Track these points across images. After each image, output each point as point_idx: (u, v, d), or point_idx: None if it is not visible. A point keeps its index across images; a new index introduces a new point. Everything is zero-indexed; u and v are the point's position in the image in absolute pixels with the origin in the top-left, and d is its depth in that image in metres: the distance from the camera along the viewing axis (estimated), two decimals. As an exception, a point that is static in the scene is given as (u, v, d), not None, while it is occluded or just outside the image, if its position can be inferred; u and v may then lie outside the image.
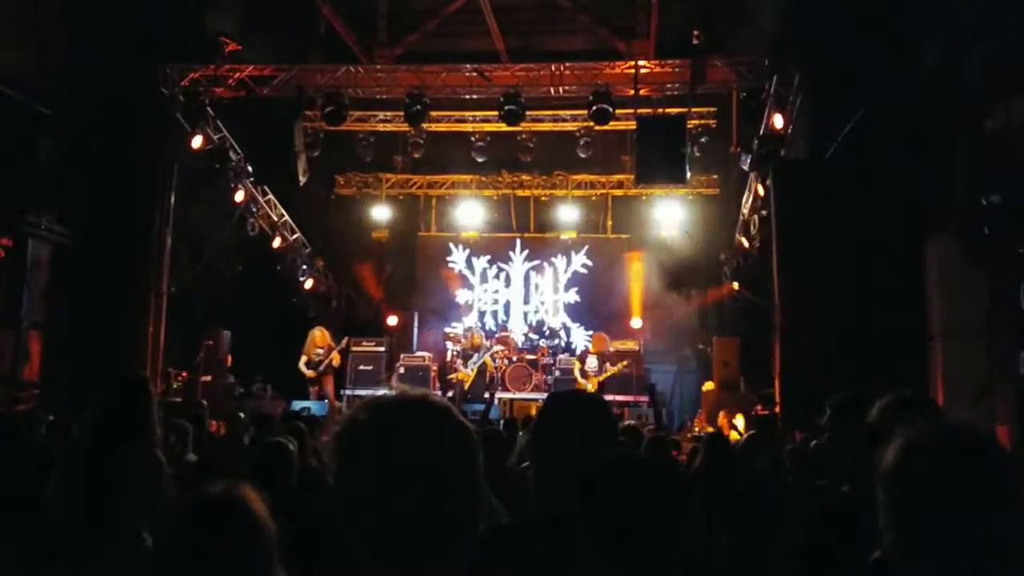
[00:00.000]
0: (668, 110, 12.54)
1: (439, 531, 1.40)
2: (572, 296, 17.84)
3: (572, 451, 2.04)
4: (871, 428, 2.52)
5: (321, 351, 14.32)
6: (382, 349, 15.75)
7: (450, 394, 14.38)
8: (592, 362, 14.59)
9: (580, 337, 17.33)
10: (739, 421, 11.10)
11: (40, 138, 11.49)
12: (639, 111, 12.11)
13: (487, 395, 14.29)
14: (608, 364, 14.54)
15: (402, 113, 12.92)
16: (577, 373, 14.56)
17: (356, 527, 1.41)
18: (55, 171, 11.78)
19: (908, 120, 10.37)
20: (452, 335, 16.40)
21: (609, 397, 12.86)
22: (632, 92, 12.14)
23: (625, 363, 14.50)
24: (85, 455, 2.96)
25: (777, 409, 11.17)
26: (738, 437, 9.19)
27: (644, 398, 14.11)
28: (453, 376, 14.90)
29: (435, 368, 15.49)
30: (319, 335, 14.50)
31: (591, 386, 13.92)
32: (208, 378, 12.73)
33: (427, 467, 1.42)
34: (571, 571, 1.75)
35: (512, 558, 2.04)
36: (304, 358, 14.25)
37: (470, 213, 17.58)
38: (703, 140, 14.20)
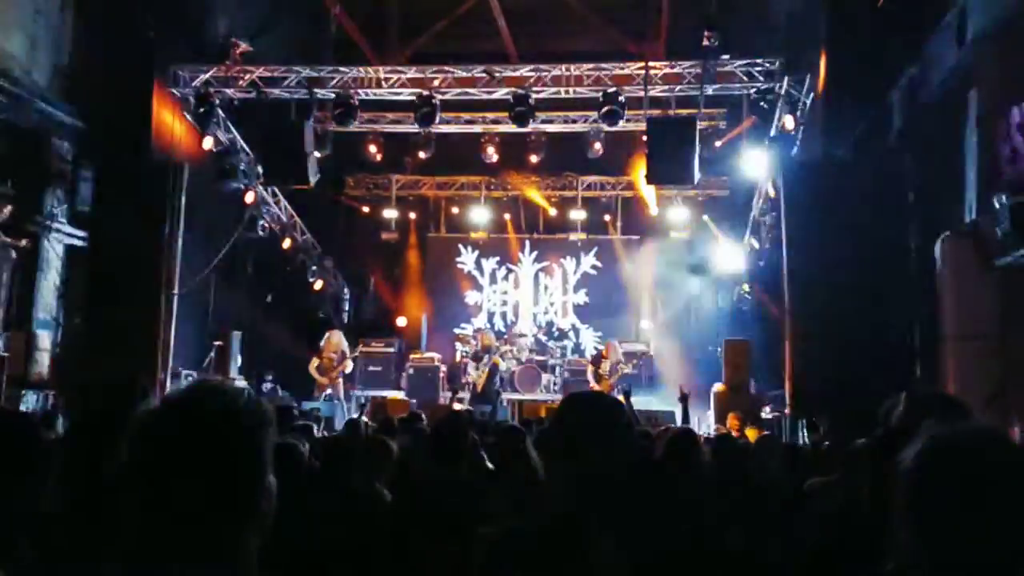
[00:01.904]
0: (678, 111, 12.52)
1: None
2: (581, 297, 17.82)
3: (588, 452, 2.04)
4: (894, 429, 2.50)
5: (335, 356, 14.21)
6: (392, 350, 15.77)
7: (461, 395, 14.36)
8: (606, 366, 14.59)
9: (589, 338, 17.31)
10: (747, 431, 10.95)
11: (52, 139, 11.55)
12: (649, 112, 12.10)
13: (504, 397, 14.30)
14: (619, 367, 14.54)
15: (412, 114, 12.93)
16: (590, 376, 14.55)
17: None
18: (67, 172, 11.84)
19: (920, 121, 10.34)
20: (462, 336, 16.40)
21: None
22: (642, 93, 12.13)
23: (633, 363, 14.49)
24: (82, 456, 2.96)
25: (787, 411, 11.13)
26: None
27: (653, 399, 14.09)
28: (467, 378, 14.88)
29: (444, 369, 15.49)
30: (335, 340, 14.35)
31: (604, 389, 13.90)
32: (218, 378, 12.75)
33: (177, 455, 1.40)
34: (588, 570, 1.74)
35: (528, 558, 2.04)
36: (315, 361, 14.18)
37: (479, 214, 17.58)
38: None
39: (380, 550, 3.95)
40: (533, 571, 1.98)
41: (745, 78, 12.12)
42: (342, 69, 12.99)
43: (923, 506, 1.45)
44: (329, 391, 14.08)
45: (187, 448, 1.40)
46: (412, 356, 15.68)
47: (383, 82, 13.08)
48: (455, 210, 18.15)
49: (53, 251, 11.69)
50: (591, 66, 12.60)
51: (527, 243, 18.06)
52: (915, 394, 2.70)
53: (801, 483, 5.02)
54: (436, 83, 12.77)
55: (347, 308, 18.12)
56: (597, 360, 14.87)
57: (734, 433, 9.97)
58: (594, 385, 14.16)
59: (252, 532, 1.44)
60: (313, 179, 12.97)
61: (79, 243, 11.96)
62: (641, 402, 14.00)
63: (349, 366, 14.37)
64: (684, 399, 7.39)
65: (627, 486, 1.74)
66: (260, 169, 13.61)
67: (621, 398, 8.11)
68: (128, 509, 1.42)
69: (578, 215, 17.30)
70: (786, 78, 11.54)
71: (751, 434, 9.28)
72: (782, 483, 4.89)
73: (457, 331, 16.75)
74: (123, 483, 1.44)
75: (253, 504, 1.44)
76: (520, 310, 17.99)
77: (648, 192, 15.61)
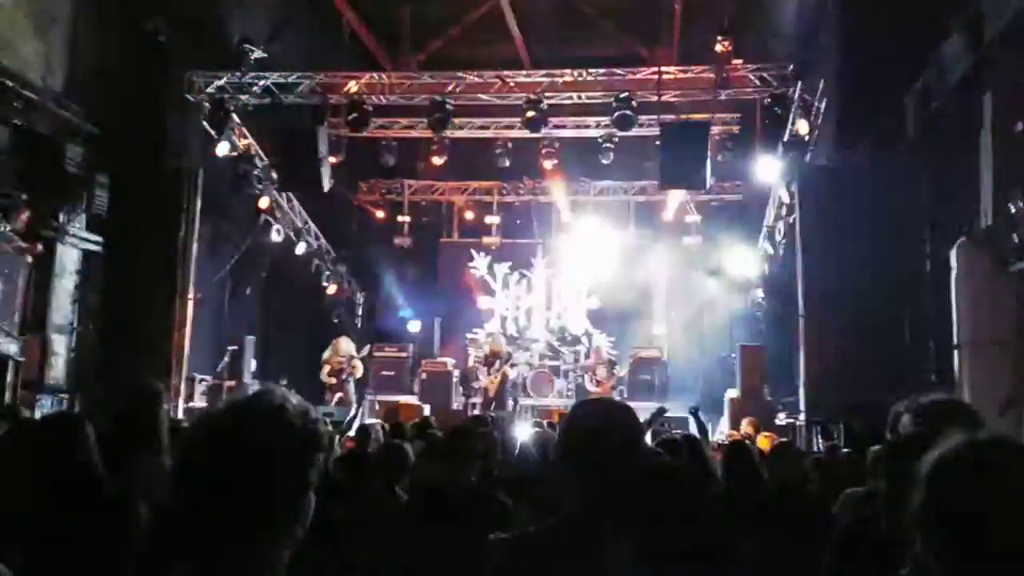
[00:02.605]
0: (691, 116, 12.50)
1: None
2: (594, 302, 17.78)
3: (599, 457, 2.03)
4: (904, 438, 2.48)
5: (343, 360, 14.30)
6: (405, 355, 15.78)
7: (474, 401, 14.37)
8: (601, 371, 14.63)
9: (602, 343, 17.24)
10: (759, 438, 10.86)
11: (68, 145, 11.62)
12: (662, 117, 12.09)
13: (511, 402, 14.30)
14: (615, 369, 14.60)
15: (425, 120, 12.96)
16: (587, 383, 14.59)
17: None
18: (83, 177, 11.91)
19: (934, 125, 10.29)
20: (474, 341, 16.41)
21: (632, 404, 12.81)
22: (655, 98, 12.12)
23: (620, 368, 14.62)
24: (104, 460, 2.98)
25: (801, 417, 11.08)
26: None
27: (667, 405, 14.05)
28: (478, 384, 14.88)
29: (457, 374, 15.49)
30: (343, 345, 14.49)
31: (603, 393, 13.93)
32: (232, 383, 12.80)
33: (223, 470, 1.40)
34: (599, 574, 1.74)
35: (537, 564, 2.03)
36: (327, 367, 14.25)
37: (492, 219, 17.59)
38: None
39: (395, 555, 3.96)
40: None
41: (758, 83, 12.08)
42: (356, 75, 13.03)
43: (940, 517, 1.44)
44: (340, 395, 14.15)
45: (238, 458, 1.41)
46: (425, 361, 15.69)
47: (396, 88, 13.11)
48: (468, 215, 18.16)
49: (68, 257, 11.76)
50: (604, 71, 12.59)
51: (539, 248, 18.04)
52: (923, 401, 2.68)
53: (817, 490, 4.99)
54: (449, 88, 12.78)
55: (360, 313, 18.14)
56: (593, 368, 14.88)
57: (748, 440, 9.94)
58: (594, 391, 14.17)
59: (285, 546, 1.45)
60: (327, 184, 13.01)
61: (94, 248, 12.02)
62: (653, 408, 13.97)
63: (359, 369, 14.42)
64: (695, 413, 7.26)
65: (637, 491, 1.74)
66: (274, 174, 13.66)
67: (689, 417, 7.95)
68: (173, 511, 1.44)
69: (591, 220, 17.28)
70: (799, 83, 11.49)
71: (763, 442, 9.23)
72: (799, 491, 4.86)
73: (470, 336, 16.75)
74: (172, 484, 1.46)
75: (290, 520, 1.45)
76: (533, 315, 17.96)
77: (674, 196, 15.62)
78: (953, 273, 9.83)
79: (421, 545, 3.89)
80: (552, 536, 2.12)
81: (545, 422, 8.64)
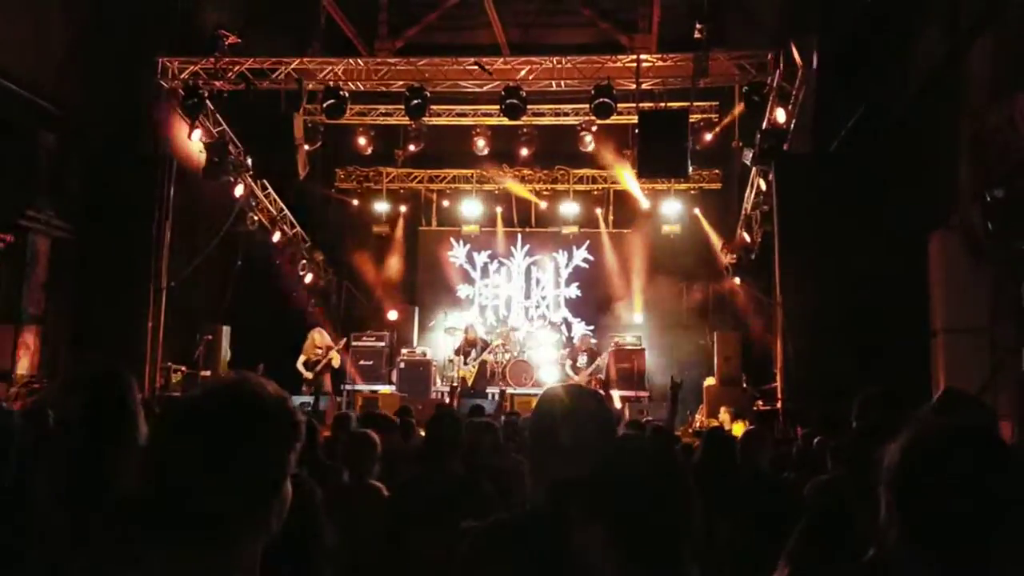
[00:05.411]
0: (670, 104, 12.48)
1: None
2: (573, 291, 17.78)
3: (569, 445, 2.01)
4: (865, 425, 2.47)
5: (320, 351, 14.18)
6: (383, 344, 15.69)
7: (455, 386, 14.31)
8: (583, 359, 14.65)
9: (581, 332, 17.26)
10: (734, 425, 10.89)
11: (40, 132, 11.46)
12: (641, 105, 12.06)
13: (489, 392, 14.27)
14: (598, 360, 14.62)
15: (402, 106, 12.86)
16: (568, 370, 14.60)
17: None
18: (55, 165, 11.74)
19: (912, 114, 10.33)
20: (453, 330, 16.35)
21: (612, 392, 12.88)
22: (634, 86, 12.08)
23: (602, 357, 14.64)
24: (69, 453, 2.91)
25: (779, 405, 11.13)
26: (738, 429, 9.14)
27: (644, 393, 14.09)
28: (454, 373, 14.83)
29: (435, 363, 15.44)
30: (318, 336, 14.34)
31: (581, 380, 13.94)
32: (207, 373, 12.69)
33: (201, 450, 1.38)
34: (569, 564, 1.71)
35: (510, 552, 2.00)
36: (303, 357, 14.13)
37: (471, 208, 17.53)
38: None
39: (371, 544, 3.92)
40: (511, 564, 1.95)
41: (737, 71, 12.08)
42: (332, 61, 12.90)
43: (904, 503, 1.46)
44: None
45: (212, 445, 1.37)
46: (403, 350, 15.62)
47: (373, 74, 13.00)
48: (446, 203, 18.08)
49: (40, 245, 11.60)
50: (583, 59, 12.55)
51: (519, 237, 18.00)
52: (868, 392, 2.71)
53: (792, 476, 5.00)
54: (427, 75, 12.69)
55: (337, 302, 18.02)
56: (574, 354, 14.89)
57: (725, 427, 9.97)
58: (573, 378, 14.17)
59: (260, 538, 1.42)
60: (303, 172, 12.89)
61: (67, 236, 11.87)
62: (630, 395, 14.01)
63: (336, 359, 14.32)
64: (675, 388, 6.90)
65: (608, 477, 1.70)
66: (250, 162, 13.53)
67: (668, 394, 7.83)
68: (138, 503, 1.42)
69: (570, 208, 17.25)
70: (778, 71, 11.49)
71: (738, 429, 9.26)
72: (770, 477, 4.87)
73: (449, 326, 16.69)
74: (139, 474, 1.45)
75: (266, 511, 1.41)
76: (512, 304, 17.93)
77: (632, 186, 15.69)
78: (929, 261, 9.89)
79: (402, 537, 3.85)
80: (522, 523, 2.09)
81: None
